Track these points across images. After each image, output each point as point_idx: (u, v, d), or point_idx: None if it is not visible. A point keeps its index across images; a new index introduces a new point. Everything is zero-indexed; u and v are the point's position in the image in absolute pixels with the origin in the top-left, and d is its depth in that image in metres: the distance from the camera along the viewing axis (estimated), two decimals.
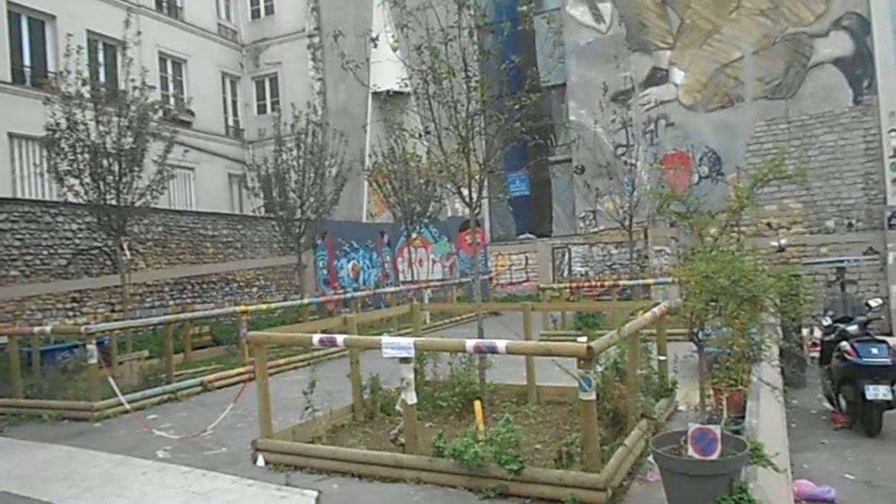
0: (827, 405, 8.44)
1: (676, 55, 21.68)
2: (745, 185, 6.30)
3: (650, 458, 4.99)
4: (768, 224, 19.59)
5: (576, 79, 23.13)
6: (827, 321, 8.95)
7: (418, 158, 17.91)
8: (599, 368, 6.26)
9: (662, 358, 7.46)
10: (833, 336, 8.36)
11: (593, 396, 4.95)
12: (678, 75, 21.67)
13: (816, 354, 9.20)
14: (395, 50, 7.11)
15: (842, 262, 13.07)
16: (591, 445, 4.95)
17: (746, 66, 20.62)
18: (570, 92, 23.32)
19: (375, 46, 7.30)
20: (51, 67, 18.83)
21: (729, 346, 6.57)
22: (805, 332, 10.03)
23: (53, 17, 19.25)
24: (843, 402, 7.77)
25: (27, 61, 18.87)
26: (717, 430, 4.20)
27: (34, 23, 19.12)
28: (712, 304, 5.68)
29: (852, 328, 8.12)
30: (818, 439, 7.31)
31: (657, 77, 21.95)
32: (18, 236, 13.24)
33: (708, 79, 21.20)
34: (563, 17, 23.02)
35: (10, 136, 17.77)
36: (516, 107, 7.21)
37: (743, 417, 6.11)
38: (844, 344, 7.75)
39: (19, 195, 17.34)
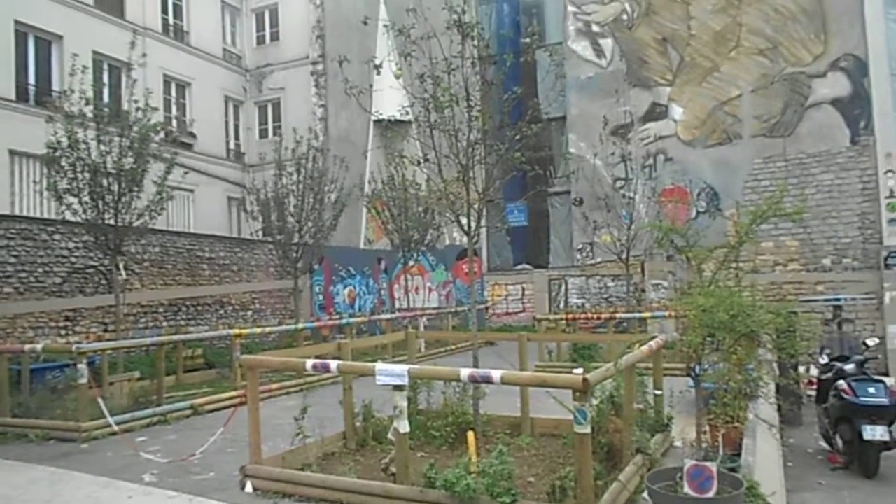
0: (824, 444, 8.36)
1: (676, 91, 21.92)
2: (745, 221, 6.31)
3: (645, 495, 4.92)
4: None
5: (576, 112, 23.34)
6: (824, 359, 8.91)
7: (418, 186, 18.00)
8: (595, 401, 6.20)
9: (658, 392, 7.40)
10: (830, 374, 8.32)
11: (588, 430, 4.89)
12: (677, 111, 21.90)
13: (813, 393, 9.14)
14: (398, 77, 7.17)
15: (839, 300, 13.07)
16: (585, 480, 4.87)
17: (745, 104, 20.85)
18: (571, 125, 23.51)
19: (379, 73, 7.36)
20: (55, 86, 18.95)
21: (726, 382, 6.53)
22: (801, 369, 9.98)
23: (60, 37, 19.42)
24: (839, 442, 7.70)
25: (32, 80, 18.98)
26: (713, 467, 4.15)
27: (41, 42, 19.28)
28: (710, 339, 5.65)
29: (849, 367, 8.08)
30: (815, 479, 7.22)
31: (656, 112, 22.18)
32: (14, 253, 13.19)
33: (706, 115, 21.42)
34: (565, 51, 23.32)
35: (11, 153, 17.80)
36: (517, 137, 7.25)
37: (739, 455, 6.04)
38: (841, 383, 7.70)
39: (17, 212, 17.33)
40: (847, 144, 19.53)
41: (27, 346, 10.19)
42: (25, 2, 18.57)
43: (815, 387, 9.03)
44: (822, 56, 19.94)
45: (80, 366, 8.85)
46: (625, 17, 22.85)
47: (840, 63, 19.75)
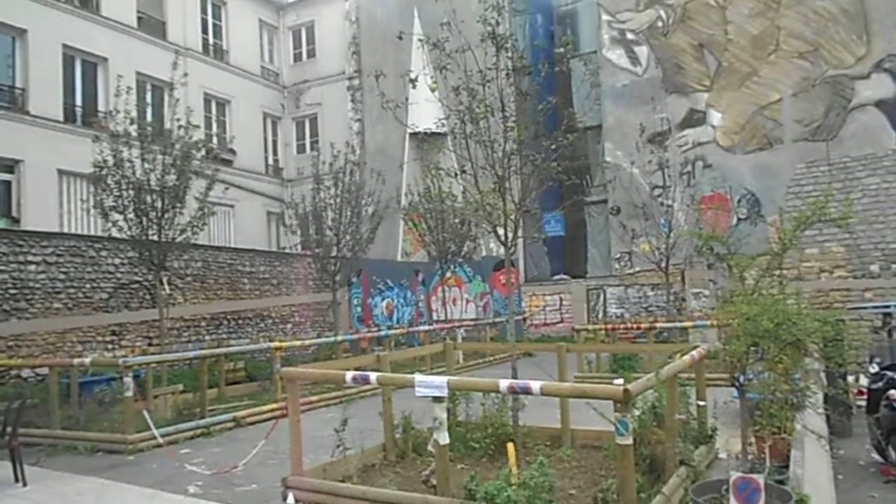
0: (876, 456, 8.09)
1: (714, 97, 21.61)
2: (788, 228, 6.18)
3: None
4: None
5: (612, 120, 23.17)
6: (874, 368, 8.65)
7: (454, 198, 18.04)
8: (636, 412, 6.11)
9: (702, 403, 7.26)
10: (881, 384, 8.05)
11: (630, 441, 4.82)
12: (715, 117, 21.57)
13: (863, 403, 8.87)
14: (433, 90, 7.21)
15: (888, 307, 12.67)
16: (628, 492, 4.80)
17: (785, 108, 20.45)
18: (607, 133, 23.34)
19: (414, 87, 7.41)
20: (101, 107, 19.54)
21: (772, 392, 6.37)
22: (851, 379, 9.70)
23: (105, 59, 20.05)
24: (892, 454, 7.44)
25: (79, 101, 19.62)
26: (760, 479, 4.06)
27: (87, 65, 19.93)
28: (754, 348, 5.53)
29: None
30: (867, 492, 6.98)
31: (694, 119, 21.89)
32: (63, 269, 13.59)
33: (746, 121, 21.06)
34: (599, 59, 23.21)
35: (60, 172, 18.39)
36: (552, 147, 7.23)
37: (787, 467, 5.89)
38: (893, 392, 7.45)
39: (66, 230, 17.86)
40: (893, 147, 18.98)
41: (76, 360, 10.46)
42: (72, 26, 19.23)
43: (865, 397, 8.76)
44: (865, 57, 19.47)
45: (126, 379, 9.05)
46: (660, 23, 22.64)
47: (884, 64, 19.25)
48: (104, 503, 6.54)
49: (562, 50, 7.53)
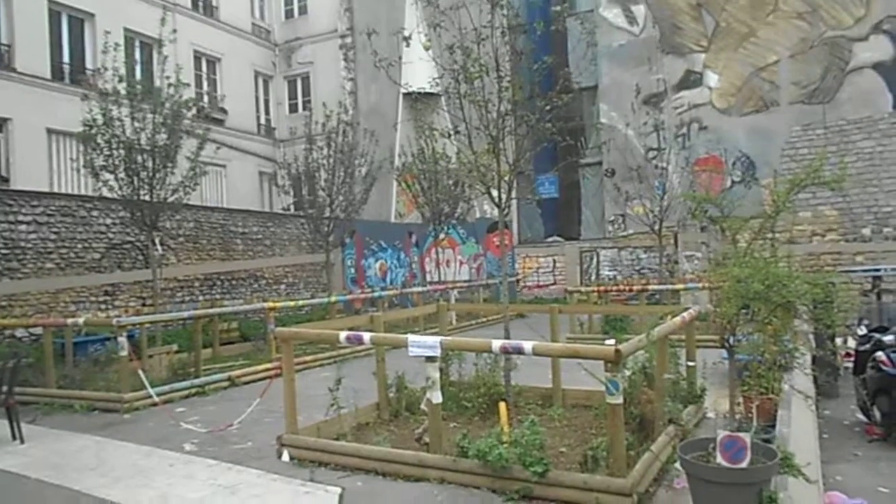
0: (861, 416, 8.25)
1: (711, 58, 21.40)
2: (782, 191, 6.18)
3: (677, 465, 4.93)
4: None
5: (608, 81, 22.96)
6: (862, 330, 8.75)
7: (448, 159, 17.92)
8: (627, 373, 6.19)
9: (691, 363, 7.35)
10: (868, 346, 8.16)
11: (620, 400, 4.88)
12: (712, 78, 21.39)
13: (850, 364, 9.00)
14: (427, 49, 7.11)
15: (878, 270, 12.77)
16: (618, 450, 4.89)
17: (782, 69, 20.28)
18: (602, 94, 23.15)
19: (408, 45, 7.31)
20: (89, 64, 19.20)
21: (760, 353, 6.46)
22: (839, 341, 9.82)
23: (92, 15, 19.62)
24: (877, 414, 7.58)
25: (66, 58, 19.26)
26: (746, 437, 4.12)
27: (74, 20, 19.52)
28: (744, 310, 5.58)
29: (888, 338, 7.91)
30: (851, 451, 7.13)
31: (690, 80, 21.70)
32: (54, 230, 13.51)
33: (742, 82, 20.90)
34: (596, 18, 22.88)
35: (49, 131, 18.15)
36: (547, 107, 7.17)
37: (773, 426, 5.99)
38: (880, 354, 7.55)
39: (56, 189, 17.71)
40: (889, 110, 18.93)
41: (70, 320, 10.46)
42: None
43: (852, 358, 8.89)
44: (864, 18, 19.26)
45: (120, 339, 9.10)
46: None
47: (883, 25, 19.06)
48: (103, 460, 6.62)
49: (558, 8, 7.42)
